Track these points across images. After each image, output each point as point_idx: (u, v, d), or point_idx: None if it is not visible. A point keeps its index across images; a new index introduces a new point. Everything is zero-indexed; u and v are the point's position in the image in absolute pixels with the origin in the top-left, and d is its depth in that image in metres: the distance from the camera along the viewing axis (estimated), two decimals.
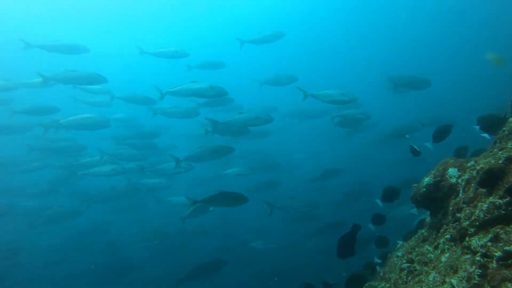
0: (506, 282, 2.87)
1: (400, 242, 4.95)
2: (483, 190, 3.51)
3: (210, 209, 8.23)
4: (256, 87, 11.48)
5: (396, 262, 4.52)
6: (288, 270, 10.79)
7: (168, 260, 12.50)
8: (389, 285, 4.31)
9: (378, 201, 5.86)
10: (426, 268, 3.93)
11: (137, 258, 12.52)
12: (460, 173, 4.17)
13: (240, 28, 20.89)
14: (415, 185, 4.80)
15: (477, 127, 5.48)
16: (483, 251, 3.08)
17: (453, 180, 4.19)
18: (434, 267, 3.76)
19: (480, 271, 3.02)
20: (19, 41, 10.54)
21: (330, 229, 11.18)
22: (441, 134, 5.92)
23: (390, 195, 5.74)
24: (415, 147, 6.11)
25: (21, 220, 12.04)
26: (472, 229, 3.37)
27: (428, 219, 4.69)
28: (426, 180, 4.49)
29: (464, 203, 3.75)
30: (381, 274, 4.69)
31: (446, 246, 3.79)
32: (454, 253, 3.55)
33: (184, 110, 10.25)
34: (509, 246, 2.94)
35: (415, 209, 5.95)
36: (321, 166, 13.41)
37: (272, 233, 11.64)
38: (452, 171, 4.28)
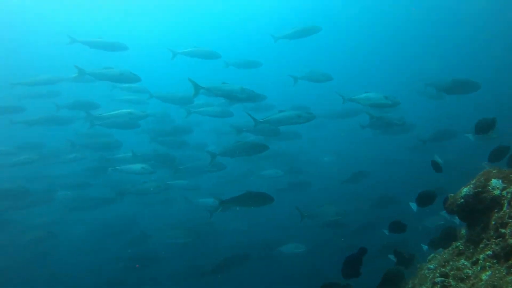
0: None
1: (425, 247, 4.67)
2: None
3: (237, 209, 8.13)
4: (288, 84, 11.11)
5: (428, 275, 4.26)
6: (311, 272, 10.61)
7: (193, 253, 12.53)
8: None
9: (412, 205, 5.56)
10: (462, 285, 3.67)
11: (163, 250, 12.58)
12: (505, 185, 3.88)
13: (274, 23, 21.00)
14: (451, 195, 4.51)
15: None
16: None
17: (497, 192, 3.90)
18: (472, 285, 3.50)
19: None
20: (65, 36, 10.97)
21: (358, 234, 11.06)
22: (484, 126, 5.58)
23: (425, 199, 5.42)
24: (438, 161, 5.78)
25: (58, 207, 12.62)
26: None
27: (463, 231, 4.41)
28: (465, 190, 4.21)
29: (510, 217, 3.48)
30: (409, 286, 4.44)
31: (488, 263, 3.52)
32: (497, 272, 3.28)
33: (219, 110, 10.11)
34: None
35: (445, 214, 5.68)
36: (350, 167, 13.18)
37: (299, 235, 11.42)
38: (495, 182, 3.98)
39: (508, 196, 3.73)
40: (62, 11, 25.41)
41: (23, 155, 11.73)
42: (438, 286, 3.87)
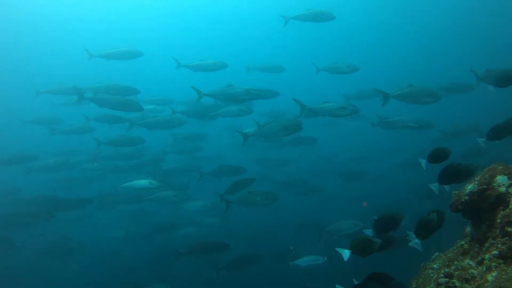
0: None
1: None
2: None
3: (244, 210, 8.17)
4: (311, 75, 10.88)
5: (432, 275, 4.15)
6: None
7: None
8: None
9: (422, 161, 5.07)
10: (467, 286, 3.55)
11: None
12: (511, 182, 3.75)
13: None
14: (456, 192, 4.38)
15: None
16: None
17: (502, 189, 3.77)
18: (478, 286, 3.39)
19: None
20: (84, 51, 11.32)
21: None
22: (497, 132, 5.15)
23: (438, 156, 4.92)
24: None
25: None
26: None
27: (468, 229, 4.28)
28: (470, 187, 4.08)
29: None
30: (413, 286, 4.33)
31: (494, 264, 3.40)
32: (504, 273, 3.16)
33: (237, 109, 9.98)
34: None
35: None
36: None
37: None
38: (501, 179, 3.85)
39: None
40: (74, 16, 25.85)
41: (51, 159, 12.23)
42: (443, 286, 3.75)
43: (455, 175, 4.51)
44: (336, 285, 4.19)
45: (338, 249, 4.31)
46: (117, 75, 12.34)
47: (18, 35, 25.27)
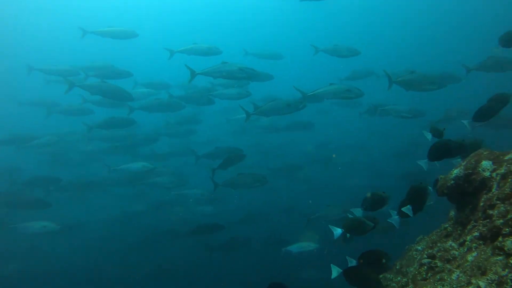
0: None
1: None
2: None
3: (233, 191, 8.29)
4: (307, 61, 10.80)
5: (415, 256, 4.26)
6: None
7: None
8: (406, 279, 4.07)
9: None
10: (449, 266, 3.66)
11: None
12: (495, 167, 3.83)
13: None
14: (442, 176, 4.47)
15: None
16: None
17: (487, 174, 3.85)
18: (458, 266, 3.49)
19: None
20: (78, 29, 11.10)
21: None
22: (483, 113, 5.03)
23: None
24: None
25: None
26: (507, 229, 3.07)
27: (452, 213, 4.38)
28: (456, 171, 4.16)
29: (498, 199, 3.43)
30: (397, 267, 4.44)
31: (474, 244, 3.50)
32: (483, 253, 3.26)
33: (236, 92, 9.83)
34: None
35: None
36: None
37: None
38: (486, 163, 3.93)
39: (498, 178, 3.68)
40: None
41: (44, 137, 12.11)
42: (425, 267, 3.86)
43: (445, 151, 4.48)
44: (331, 265, 4.29)
45: (330, 227, 4.39)
46: (112, 58, 12.16)
47: (12, 14, 24.90)
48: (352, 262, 4.05)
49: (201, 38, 10.89)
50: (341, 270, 4.02)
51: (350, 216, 4.57)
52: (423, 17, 24.02)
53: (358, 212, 4.47)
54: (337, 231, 4.35)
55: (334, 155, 13.86)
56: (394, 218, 4.09)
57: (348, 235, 4.66)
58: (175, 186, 11.49)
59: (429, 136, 5.13)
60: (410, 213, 4.24)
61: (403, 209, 4.28)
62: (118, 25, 11.36)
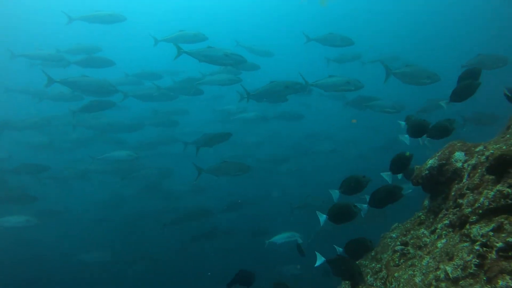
0: (503, 274, 2.72)
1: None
2: (491, 177, 3.30)
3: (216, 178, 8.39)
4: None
5: (390, 243, 4.40)
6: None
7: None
8: (380, 265, 4.21)
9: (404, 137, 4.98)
10: (420, 252, 3.80)
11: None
12: (467, 158, 3.96)
13: None
14: (417, 166, 4.61)
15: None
16: (484, 240, 2.92)
17: (459, 165, 3.99)
18: (429, 252, 3.63)
19: (477, 260, 2.88)
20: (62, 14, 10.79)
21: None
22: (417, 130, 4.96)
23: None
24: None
25: None
26: (474, 217, 3.20)
27: (426, 202, 4.53)
28: (430, 162, 4.29)
29: (468, 189, 3.56)
30: (372, 254, 4.58)
31: (444, 232, 3.64)
32: (451, 240, 3.40)
33: (226, 78, 9.71)
34: None
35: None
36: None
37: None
38: (458, 155, 4.07)
39: (469, 168, 3.81)
40: None
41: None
42: (398, 254, 4.00)
43: (404, 164, 4.61)
44: (334, 245, 4.39)
45: (317, 213, 4.47)
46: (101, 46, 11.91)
47: None
48: (339, 250, 4.18)
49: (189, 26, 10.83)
50: (324, 259, 4.13)
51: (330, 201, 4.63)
52: (420, 15, 24.20)
53: (335, 193, 4.53)
54: (323, 217, 4.44)
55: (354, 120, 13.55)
56: (363, 206, 4.20)
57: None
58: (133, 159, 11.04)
59: (404, 134, 5.14)
60: (388, 179, 4.53)
61: (382, 174, 4.60)
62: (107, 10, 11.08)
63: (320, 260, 4.13)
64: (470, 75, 5.06)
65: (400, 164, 4.55)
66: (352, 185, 4.50)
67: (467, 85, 4.97)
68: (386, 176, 4.64)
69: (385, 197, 4.24)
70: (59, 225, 12.65)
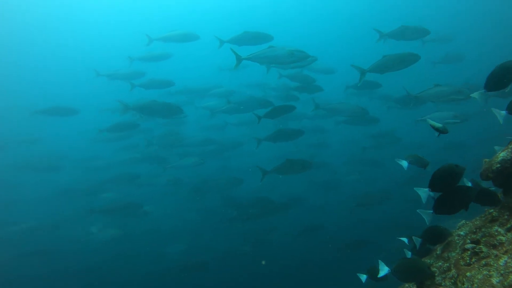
0: None
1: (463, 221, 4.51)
2: None
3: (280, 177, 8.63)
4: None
5: (458, 241, 4.15)
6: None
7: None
8: (447, 264, 3.98)
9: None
10: (495, 251, 3.54)
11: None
12: None
13: None
14: (486, 160, 4.30)
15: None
16: None
17: None
18: (506, 251, 3.38)
19: None
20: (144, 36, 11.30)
21: None
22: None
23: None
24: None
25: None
26: None
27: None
28: (502, 154, 3.99)
29: None
30: (438, 252, 4.35)
31: None
32: None
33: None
34: None
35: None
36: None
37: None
38: None
39: None
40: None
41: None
42: (469, 252, 3.76)
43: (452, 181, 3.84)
44: (358, 274, 4.24)
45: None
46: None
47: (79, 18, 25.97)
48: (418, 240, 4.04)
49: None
50: (389, 269, 3.93)
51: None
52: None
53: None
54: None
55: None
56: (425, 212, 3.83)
57: None
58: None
59: (404, 164, 4.74)
60: (422, 196, 3.94)
61: (417, 189, 3.97)
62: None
63: (383, 270, 3.95)
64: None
65: (447, 179, 3.80)
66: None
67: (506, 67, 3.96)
68: (422, 193, 3.96)
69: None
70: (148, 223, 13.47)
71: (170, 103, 9.26)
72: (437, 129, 4.27)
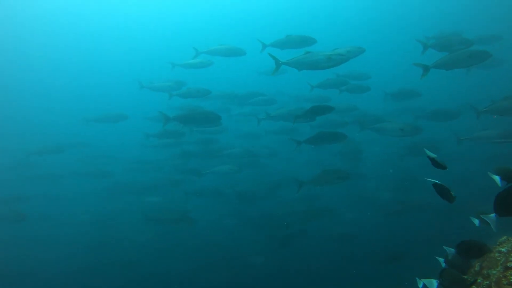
0: None
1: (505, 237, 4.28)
2: None
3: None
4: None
5: (498, 258, 3.93)
6: None
7: None
8: (488, 282, 3.78)
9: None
10: None
11: None
12: None
13: None
14: None
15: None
16: None
17: None
18: None
19: None
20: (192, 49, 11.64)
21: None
22: None
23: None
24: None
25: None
26: None
27: None
28: None
29: None
30: (476, 268, 4.14)
31: None
32: None
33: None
34: None
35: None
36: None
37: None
38: None
39: None
40: None
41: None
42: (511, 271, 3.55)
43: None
44: (416, 278, 3.90)
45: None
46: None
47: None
48: (451, 251, 3.84)
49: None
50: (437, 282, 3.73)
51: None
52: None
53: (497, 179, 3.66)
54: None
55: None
56: (491, 217, 3.37)
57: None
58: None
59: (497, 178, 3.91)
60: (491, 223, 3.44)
61: (483, 216, 3.51)
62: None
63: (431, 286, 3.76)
64: None
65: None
66: None
67: None
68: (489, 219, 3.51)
69: None
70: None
71: (209, 111, 9.41)
72: (433, 161, 3.96)
